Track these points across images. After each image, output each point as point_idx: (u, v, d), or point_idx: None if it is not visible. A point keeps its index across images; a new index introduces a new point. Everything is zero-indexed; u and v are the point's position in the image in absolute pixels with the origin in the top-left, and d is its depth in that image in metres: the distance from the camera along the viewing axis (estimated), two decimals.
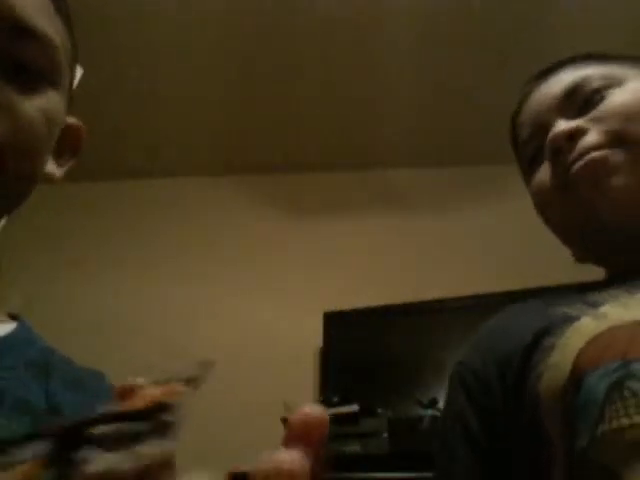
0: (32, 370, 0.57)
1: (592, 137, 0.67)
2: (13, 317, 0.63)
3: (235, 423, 2.03)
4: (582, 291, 0.66)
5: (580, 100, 0.71)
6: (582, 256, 0.77)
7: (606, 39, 1.95)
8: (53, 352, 0.63)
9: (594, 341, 0.56)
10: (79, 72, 1.66)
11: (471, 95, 2.16)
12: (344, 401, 1.76)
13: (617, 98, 0.68)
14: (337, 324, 2.17)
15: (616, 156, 0.65)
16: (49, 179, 0.63)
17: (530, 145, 0.75)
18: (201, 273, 2.38)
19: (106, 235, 2.46)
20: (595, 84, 0.70)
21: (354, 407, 1.67)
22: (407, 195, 2.51)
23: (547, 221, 0.76)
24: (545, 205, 0.73)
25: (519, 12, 1.92)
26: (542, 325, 0.62)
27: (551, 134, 0.69)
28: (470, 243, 2.32)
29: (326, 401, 1.90)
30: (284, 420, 1.77)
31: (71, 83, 0.65)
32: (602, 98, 0.69)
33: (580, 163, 0.66)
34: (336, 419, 1.67)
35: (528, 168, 0.76)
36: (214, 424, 2.09)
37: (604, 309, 0.60)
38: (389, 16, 2.00)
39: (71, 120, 0.66)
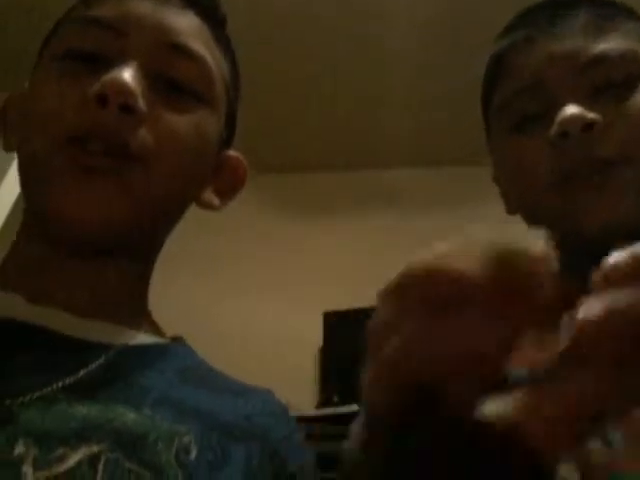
0: (182, 376, 0.58)
1: (610, 146, 0.59)
2: (175, 339, 0.67)
3: None
4: None
5: (600, 79, 0.61)
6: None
7: None
8: (212, 369, 0.66)
9: None
10: None
11: (471, 95, 2.16)
12: (344, 401, 1.76)
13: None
14: (337, 324, 2.17)
15: (626, 176, 0.58)
16: (208, 207, 0.68)
17: (523, 103, 0.64)
18: (200, 273, 2.38)
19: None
20: (620, 68, 0.61)
21: (354, 407, 1.67)
22: (407, 195, 2.51)
23: (521, 200, 0.66)
24: (528, 188, 0.63)
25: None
26: None
27: (564, 115, 0.58)
28: None
29: (326, 401, 1.90)
30: None
31: (231, 115, 0.71)
32: (626, 93, 0.60)
33: (590, 178, 0.58)
34: (336, 419, 1.67)
35: (511, 129, 0.65)
36: None
37: None
38: (389, 16, 2.00)
39: (233, 153, 0.72)
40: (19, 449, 0.43)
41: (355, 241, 2.43)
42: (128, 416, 0.49)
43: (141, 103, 0.53)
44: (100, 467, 0.45)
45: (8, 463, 0.43)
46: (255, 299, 2.34)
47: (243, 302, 2.34)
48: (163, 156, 0.55)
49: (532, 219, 0.67)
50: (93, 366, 0.52)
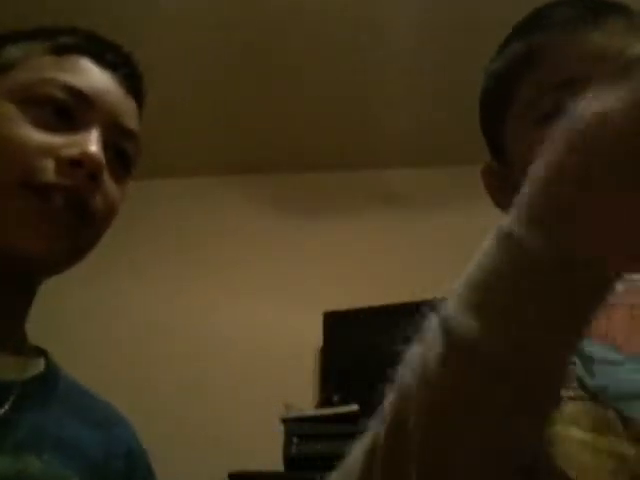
0: (64, 409, 0.66)
1: None
2: (39, 350, 0.71)
3: (235, 423, 2.03)
4: None
5: None
6: None
7: None
8: (79, 389, 0.72)
9: None
10: None
11: (471, 95, 2.16)
12: (344, 401, 1.76)
13: None
14: (337, 324, 2.17)
15: None
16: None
17: (559, 98, 0.61)
18: (201, 273, 2.38)
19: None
20: None
21: (354, 407, 1.67)
22: (407, 195, 2.51)
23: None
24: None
25: (519, 16, 1.92)
26: None
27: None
28: (470, 243, 2.30)
29: (326, 401, 1.90)
30: (284, 420, 1.77)
31: None
32: None
33: None
34: (336, 419, 1.67)
35: (543, 119, 0.63)
36: (214, 424, 2.10)
37: None
38: (389, 17, 2.00)
39: None
40: None
41: (355, 241, 2.43)
42: (34, 465, 0.58)
43: (103, 175, 0.65)
44: None
45: None
46: (255, 299, 2.34)
47: (243, 302, 2.34)
48: (104, 220, 0.68)
49: None
50: (5, 409, 0.60)
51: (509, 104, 0.73)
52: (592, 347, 0.54)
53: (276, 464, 1.70)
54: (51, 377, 0.69)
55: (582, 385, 0.51)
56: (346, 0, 1.99)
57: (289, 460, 1.67)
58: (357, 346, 2.12)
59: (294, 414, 1.76)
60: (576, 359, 0.52)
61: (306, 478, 1.61)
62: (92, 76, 0.67)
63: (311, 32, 2.09)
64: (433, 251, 2.35)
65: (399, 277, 2.26)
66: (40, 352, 0.70)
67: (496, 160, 0.76)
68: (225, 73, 2.22)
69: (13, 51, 0.68)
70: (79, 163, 0.62)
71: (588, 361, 0.53)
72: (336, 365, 2.10)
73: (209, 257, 2.43)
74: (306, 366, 2.21)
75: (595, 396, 0.50)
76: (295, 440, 1.67)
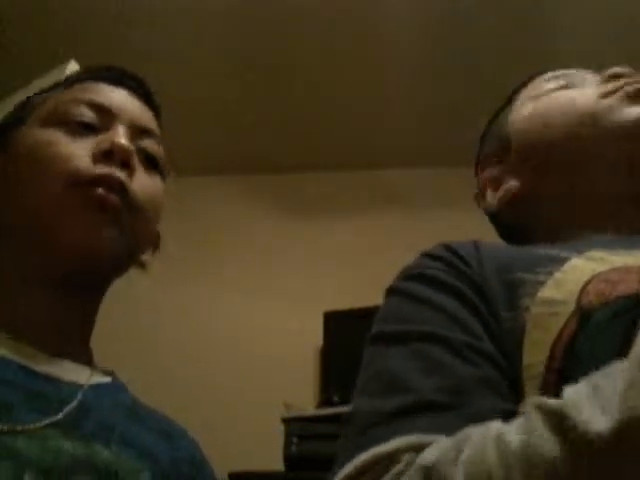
0: (129, 413, 0.71)
1: None
2: (107, 373, 0.76)
3: (235, 423, 2.03)
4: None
5: None
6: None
7: (606, 41, 1.96)
8: (141, 404, 0.76)
9: (600, 277, 0.47)
10: (75, 69, 1.66)
11: (471, 95, 2.17)
12: (344, 401, 1.76)
13: None
14: (337, 324, 2.17)
15: None
16: (141, 266, 0.85)
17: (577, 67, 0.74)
18: (201, 273, 2.38)
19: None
20: None
21: None
22: (407, 195, 2.51)
23: (541, 146, 0.71)
24: (565, 127, 0.68)
25: (518, 15, 1.92)
26: (524, 261, 0.55)
27: (612, 70, 0.69)
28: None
29: (326, 401, 1.90)
30: (284, 420, 1.77)
31: None
32: None
33: None
34: (336, 419, 1.66)
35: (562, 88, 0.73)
36: (214, 424, 2.10)
37: (594, 253, 0.53)
38: (389, 16, 2.00)
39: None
40: None
41: (355, 241, 2.43)
42: (103, 453, 0.62)
43: (134, 161, 0.72)
44: None
45: None
46: (255, 299, 2.34)
47: (243, 302, 2.34)
48: (146, 207, 0.74)
49: (550, 150, 0.70)
50: (72, 405, 0.64)
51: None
52: None
53: (276, 464, 1.70)
54: (117, 388, 0.74)
55: None
56: (348, 2, 1.99)
57: (289, 460, 1.67)
58: (357, 346, 2.12)
59: (294, 414, 1.76)
60: None
61: (306, 478, 1.61)
62: (110, 93, 0.76)
63: (311, 32, 2.09)
64: None
65: None
66: (107, 372, 0.76)
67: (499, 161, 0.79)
68: (225, 73, 2.22)
69: (42, 96, 0.78)
70: (111, 153, 0.69)
71: None
72: (336, 365, 2.10)
73: (208, 257, 2.43)
74: (306, 366, 2.21)
75: None
76: (295, 440, 1.67)
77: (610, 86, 0.67)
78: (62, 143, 0.70)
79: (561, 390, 0.36)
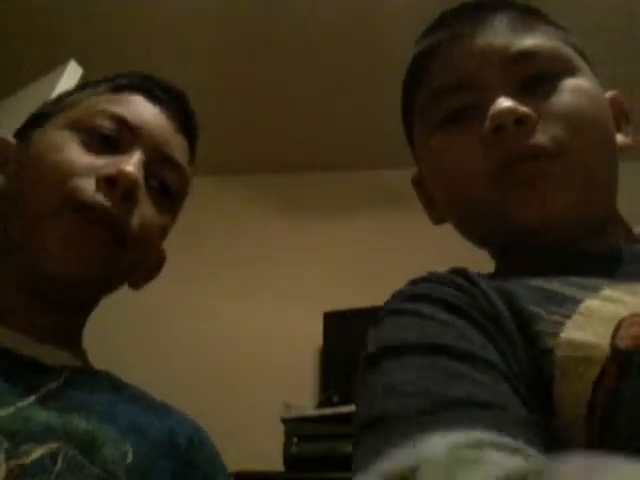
0: (117, 394, 0.70)
1: (544, 136, 0.58)
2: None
3: (235, 423, 2.03)
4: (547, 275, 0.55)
5: (527, 74, 0.61)
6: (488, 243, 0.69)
7: (604, 37, 1.96)
8: (138, 388, 0.76)
9: (631, 321, 0.44)
10: (78, 71, 1.65)
11: None
12: (344, 401, 1.76)
13: (569, 99, 0.60)
14: (337, 324, 2.17)
15: (561, 169, 0.57)
16: (134, 287, 0.84)
17: (455, 97, 0.63)
18: (200, 273, 2.38)
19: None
20: (546, 63, 0.61)
21: (354, 407, 1.67)
22: (407, 195, 2.49)
23: (452, 201, 0.66)
24: (460, 185, 0.62)
25: None
26: (528, 294, 0.51)
27: (498, 109, 0.58)
28: (470, 243, 2.31)
29: (326, 401, 1.90)
30: (284, 420, 1.77)
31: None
32: (554, 88, 0.60)
33: (525, 164, 0.57)
34: (336, 419, 1.67)
35: (438, 127, 0.64)
36: (214, 424, 2.09)
37: (607, 293, 0.49)
38: (388, 16, 2.00)
39: (162, 248, 0.84)
40: None
41: (355, 241, 2.43)
42: (80, 423, 0.61)
43: (138, 194, 0.67)
44: (59, 460, 0.57)
45: None
46: (255, 299, 2.34)
47: (243, 302, 2.34)
48: (138, 243, 0.69)
49: (464, 220, 0.67)
50: (54, 384, 0.64)
51: (411, 113, 0.77)
52: None
53: (276, 464, 1.70)
54: (103, 373, 0.74)
55: None
56: (348, 2, 1.99)
57: (289, 460, 1.67)
58: (357, 346, 2.12)
59: (294, 414, 1.76)
60: None
61: (306, 478, 1.61)
62: (141, 108, 0.72)
63: (311, 34, 2.09)
64: (433, 251, 2.35)
65: (399, 277, 2.25)
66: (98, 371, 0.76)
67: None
68: (225, 73, 2.22)
69: (78, 95, 0.75)
70: (114, 181, 0.65)
71: None
72: (336, 365, 2.10)
73: (209, 257, 2.43)
74: (306, 366, 2.21)
75: None
76: (295, 440, 1.67)
77: (497, 150, 0.58)
78: (73, 152, 0.67)
79: (603, 436, 0.34)
